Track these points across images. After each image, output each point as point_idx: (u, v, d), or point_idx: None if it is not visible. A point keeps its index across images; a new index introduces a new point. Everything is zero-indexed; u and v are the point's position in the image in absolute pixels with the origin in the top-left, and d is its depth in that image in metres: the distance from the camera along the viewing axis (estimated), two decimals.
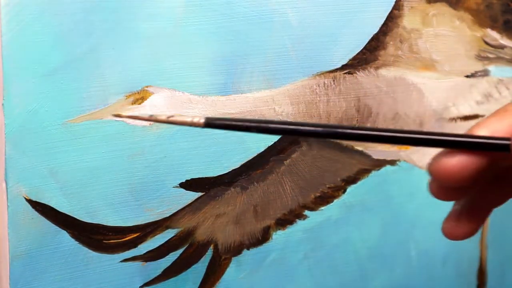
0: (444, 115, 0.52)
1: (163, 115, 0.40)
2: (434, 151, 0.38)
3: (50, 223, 0.43)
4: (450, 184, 0.37)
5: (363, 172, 0.51)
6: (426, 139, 0.37)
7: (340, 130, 0.38)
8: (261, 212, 0.49)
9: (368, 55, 0.50)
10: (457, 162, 0.36)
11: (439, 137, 0.37)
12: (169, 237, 0.47)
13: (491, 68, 0.54)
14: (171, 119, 0.39)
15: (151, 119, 0.40)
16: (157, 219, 0.46)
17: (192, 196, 0.47)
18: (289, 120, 0.48)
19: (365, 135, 0.37)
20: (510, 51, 0.54)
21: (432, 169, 0.37)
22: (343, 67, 0.49)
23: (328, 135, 0.38)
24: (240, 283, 0.49)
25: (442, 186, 0.38)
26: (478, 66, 0.53)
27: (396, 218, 0.53)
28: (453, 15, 0.52)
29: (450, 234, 0.39)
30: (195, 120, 0.39)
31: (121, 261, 0.46)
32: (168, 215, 0.46)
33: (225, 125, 0.38)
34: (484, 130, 0.37)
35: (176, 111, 0.45)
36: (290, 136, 0.45)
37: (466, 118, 0.53)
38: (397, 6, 0.50)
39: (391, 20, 0.50)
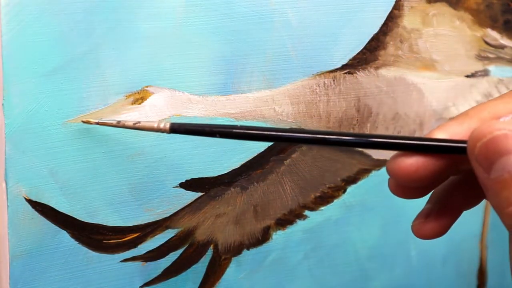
0: (444, 115, 0.52)
1: (130, 121, 0.42)
2: None
3: (50, 223, 0.43)
4: (406, 183, 0.38)
5: (363, 172, 0.51)
6: (385, 143, 0.38)
7: (307, 135, 0.39)
8: (261, 212, 0.49)
9: (368, 55, 0.50)
10: (413, 162, 0.37)
11: (398, 141, 0.38)
12: (169, 237, 0.47)
13: (491, 68, 0.54)
14: (137, 125, 0.41)
15: (119, 125, 0.42)
16: (157, 219, 0.46)
17: (192, 196, 0.47)
18: (289, 120, 0.48)
19: (308, 138, 0.39)
20: (510, 51, 0.54)
21: (389, 167, 0.38)
22: (343, 67, 0.49)
23: (298, 140, 0.39)
24: (240, 283, 0.49)
25: (400, 185, 0.39)
26: (478, 66, 0.53)
27: (396, 218, 0.53)
28: (453, 15, 0.52)
29: (418, 232, 0.40)
30: (161, 125, 0.40)
31: (121, 261, 0.46)
32: (168, 215, 0.46)
33: (189, 130, 0.40)
34: (443, 133, 0.38)
35: (176, 111, 0.45)
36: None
37: None
38: (397, 6, 0.50)
39: (391, 20, 0.50)
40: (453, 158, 0.38)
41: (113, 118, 0.43)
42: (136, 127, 0.42)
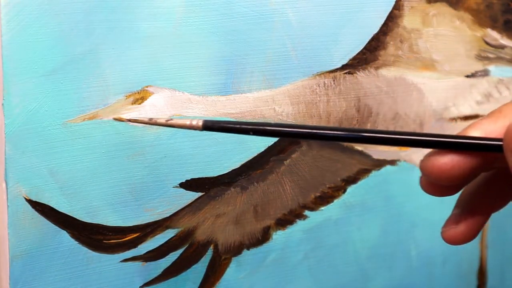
0: (444, 115, 0.52)
1: (162, 118, 0.41)
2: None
3: (50, 223, 0.43)
4: (440, 181, 0.38)
5: (363, 172, 0.51)
6: (419, 140, 0.38)
7: (337, 133, 0.38)
8: (261, 212, 0.49)
9: (368, 55, 0.50)
10: (448, 161, 0.37)
11: (432, 138, 0.38)
12: (169, 237, 0.47)
13: (491, 68, 0.54)
14: (170, 122, 0.41)
15: (151, 122, 0.41)
16: (157, 219, 0.46)
17: (192, 196, 0.47)
18: (289, 120, 0.48)
19: (357, 137, 0.38)
20: (510, 51, 0.54)
21: (423, 166, 0.38)
22: (343, 67, 0.49)
23: (326, 138, 0.39)
24: (240, 283, 0.49)
25: (432, 183, 0.38)
26: (478, 66, 0.53)
27: (396, 218, 0.53)
28: (453, 15, 0.52)
29: (449, 238, 0.40)
30: (194, 123, 0.40)
31: (121, 261, 0.46)
32: (168, 215, 0.46)
33: (223, 128, 0.39)
34: (477, 131, 0.38)
35: (176, 111, 0.45)
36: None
37: (466, 118, 0.53)
38: (397, 6, 0.50)
39: (391, 20, 0.50)
40: (488, 156, 0.37)
41: (145, 116, 0.43)
42: (168, 124, 0.41)
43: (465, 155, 0.37)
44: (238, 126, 0.39)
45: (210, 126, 0.40)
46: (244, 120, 0.47)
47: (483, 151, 0.37)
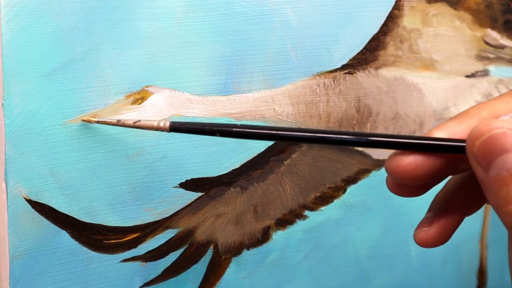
0: (444, 115, 0.52)
1: (130, 120, 0.42)
2: None
3: (50, 223, 0.43)
4: (404, 181, 0.38)
5: (363, 172, 0.51)
6: (383, 142, 0.38)
7: (299, 134, 0.39)
8: (261, 212, 0.49)
9: (368, 55, 0.50)
10: (411, 161, 0.38)
11: (396, 140, 0.38)
12: (169, 237, 0.47)
13: (491, 68, 0.54)
14: (137, 124, 0.41)
15: (119, 124, 0.42)
16: (157, 219, 0.46)
17: (192, 196, 0.47)
18: (289, 120, 0.48)
19: (321, 138, 0.39)
20: (510, 51, 0.54)
21: (388, 166, 0.38)
22: (343, 67, 0.49)
23: (286, 138, 0.39)
24: (240, 283, 0.49)
25: (398, 183, 0.39)
26: (478, 66, 0.53)
27: (396, 218, 0.53)
28: (453, 15, 0.52)
29: (421, 240, 0.40)
30: (161, 124, 0.40)
31: (121, 261, 0.46)
32: (168, 215, 0.46)
33: (189, 129, 0.40)
34: (442, 132, 0.38)
35: (176, 111, 0.45)
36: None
37: None
38: (397, 6, 0.50)
39: (391, 20, 0.50)
40: (452, 157, 0.38)
41: (113, 117, 0.43)
42: (136, 126, 0.42)
43: (429, 156, 0.37)
44: (205, 127, 0.40)
45: (176, 127, 0.40)
46: (244, 120, 0.47)
47: (447, 152, 0.37)
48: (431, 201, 0.41)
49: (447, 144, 0.37)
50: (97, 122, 0.43)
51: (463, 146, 0.36)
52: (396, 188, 0.39)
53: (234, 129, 0.40)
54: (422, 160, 0.37)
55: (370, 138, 0.39)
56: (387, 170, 0.38)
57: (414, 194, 0.40)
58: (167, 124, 0.41)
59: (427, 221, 0.40)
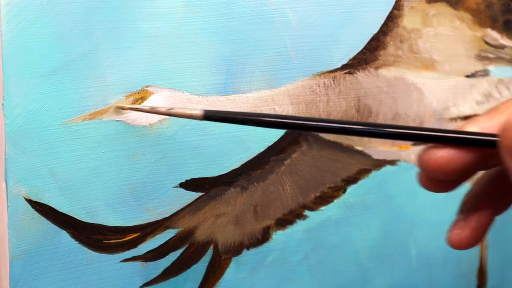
0: (444, 115, 0.52)
1: (163, 107, 0.41)
2: None
3: (50, 223, 0.43)
4: (436, 175, 0.38)
5: (363, 172, 0.51)
6: (416, 135, 0.38)
7: (338, 125, 0.38)
8: (261, 212, 0.49)
9: (368, 55, 0.50)
10: (444, 154, 0.38)
11: (429, 133, 0.38)
12: (169, 237, 0.47)
13: (491, 68, 0.54)
14: (171, 111, 0.41)
15: (152, 111, 0.42)
16: (157, 219, 0.46)
17: (192, 196, 0.47)
18: None
19: (363, 130, 0.38)
20: (510, 51, 0.54)
21: (420, 159, 0.38)
22: (343, 67, 0.49)
23: (325, 130, 0.39)
24: (240, 283, 0.49)
25: (429, 178, 0.39)
26: (478, 66, 0.53)
27: (396, 218, 0.53)
28: (453, 15, 0.52)
29: (455, 243, 0.40)
30: (194, 112, 0.40)
31: (121, 261, 0.46)
32: (168, 215, 0.46)
33: (223, 118, 0.39)
34: (474, 126, 0.38)
35: None
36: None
37: (467, 118, 0.53)
38: (397, 6, 0.50)
39: (391, 20, 0.50)
40: (484, 152, 0.38)
41: (145, 105, 0.43)
42: (169, 113, 0.41)
43: (461, 150, 0.37)
44: (238, 116, 0.39)
45: (211, 116, 0.40)
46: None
47: (479, 146, 0.38)
48: (460, 203, 0.41)
49: (480, 138, 0.37)
50: (131, 109, 0.43)
51: (495, 141, 0.36)
52: (428, 183, 0.39)
53: (268, 119, 0.39)
54: (454, 153, 0.37)
55: (404, 131, 0.38)
56: (419, 164, 0.38)
57: (445, 189, 0.40)
58: (200, 113, 0.40)
59: (459, 223, 0.40)
